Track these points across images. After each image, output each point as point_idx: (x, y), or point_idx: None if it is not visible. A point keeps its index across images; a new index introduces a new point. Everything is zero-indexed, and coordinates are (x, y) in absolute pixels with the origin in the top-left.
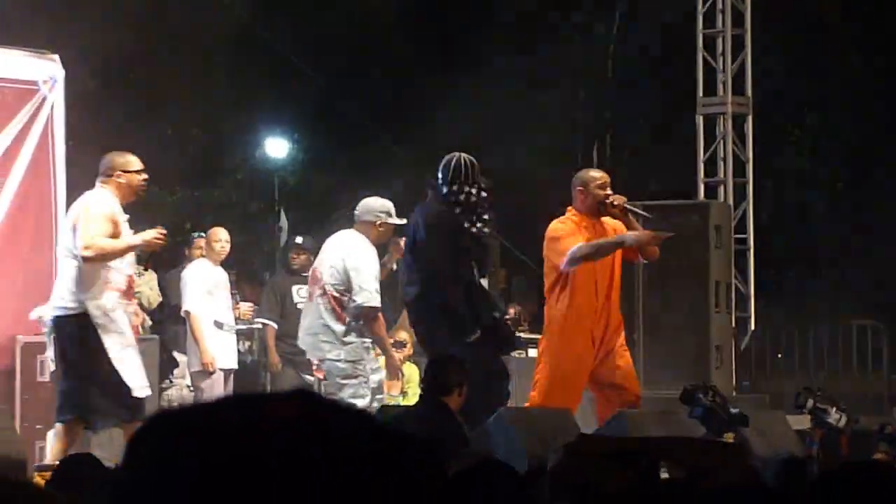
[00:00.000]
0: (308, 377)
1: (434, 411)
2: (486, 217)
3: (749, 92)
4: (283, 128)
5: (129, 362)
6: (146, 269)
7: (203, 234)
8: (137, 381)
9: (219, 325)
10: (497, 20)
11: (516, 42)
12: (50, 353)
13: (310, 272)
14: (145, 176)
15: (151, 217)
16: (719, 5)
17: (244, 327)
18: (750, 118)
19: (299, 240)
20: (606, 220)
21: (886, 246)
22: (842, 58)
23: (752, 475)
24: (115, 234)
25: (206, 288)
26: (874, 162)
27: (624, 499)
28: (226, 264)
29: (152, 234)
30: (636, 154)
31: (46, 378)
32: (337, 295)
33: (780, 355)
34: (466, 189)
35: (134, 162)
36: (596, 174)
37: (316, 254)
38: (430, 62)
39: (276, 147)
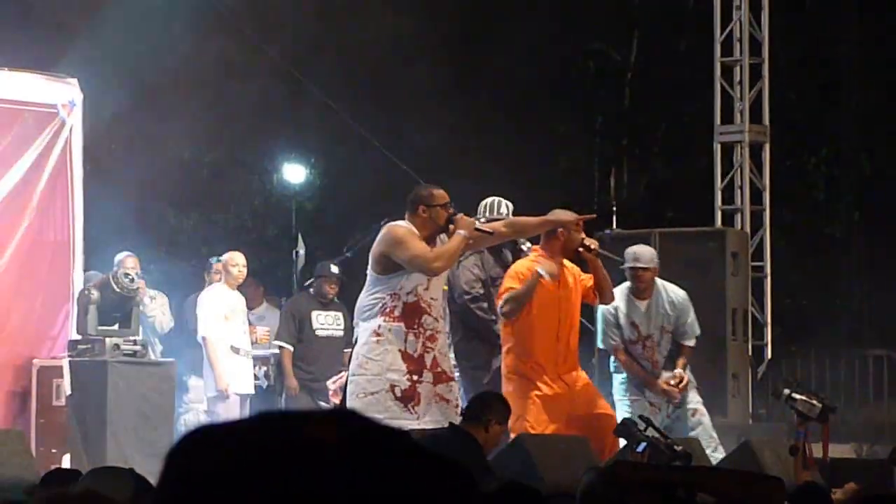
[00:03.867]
0: (323, 404)
1: (458, 439)
2: None
3: (766, 120)
4: (300, 153)
5: (358, 387)
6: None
7: (220, 259)
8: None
9: (235, 349)
10: (514, 48)
11: (534, 69)
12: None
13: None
14: (451, 210)
15: (168, 241)
16: (737, 34)
17: (261, 352)
18: (767, 146)
19: (335, 269)
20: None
21: None
22: (858, 87)
23: None
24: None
25: (222, 312)
26: (891, 192)
27: None
28: (241, 288)
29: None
30: (653, 181)
31: (62, 402)
32: None
33: (796, 384)
34: None
35: (440, 196)
36: (573, 216)
37: (344, 282)
38: (449, 89)
39: (294, 172)
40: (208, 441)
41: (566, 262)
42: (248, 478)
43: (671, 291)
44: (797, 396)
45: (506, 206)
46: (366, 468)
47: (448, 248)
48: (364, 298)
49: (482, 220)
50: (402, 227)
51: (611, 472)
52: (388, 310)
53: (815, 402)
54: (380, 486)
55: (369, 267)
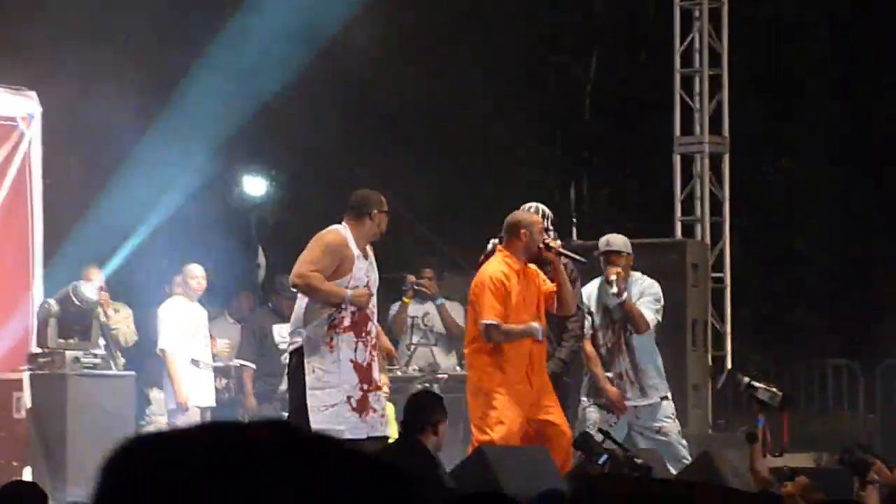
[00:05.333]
0: (286, 414)
1: (409, 450)
2: None
3: (726, 131)
4: (260, 166)
5: (317, 401)
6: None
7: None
8: (315, 421)
9: (195, 362)
10: (474, 61)
11: (495, 82)
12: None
13: None
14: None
15: (130, 254)
16: (696, 45)
17: (221, 364)
18: (727, 157)
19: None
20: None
21: (861, 286)
22: (818, 99)
23: None
24: (339, 271)
25: (181, 325)
26: (849, 201)
27: None
28: (202, 301)
29: (363, 293)
30: (614, 193)
31: (22, 415)
32: None
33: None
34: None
35: (385, 202)
36: (537, 218)
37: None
38: (409, 104)
39: (254, 185)
40: (145, 449)
41: (532, 266)
42: (188, 479)
43: (645, 281)
44: (757, 385)
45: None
46: (304, 467)
47: (318, 287)
48: (307, 304)
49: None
50: (331, 234)
51: (593, 484)
52: (337, 321)
53: (775, 390)
54: (318, 485)
55: None
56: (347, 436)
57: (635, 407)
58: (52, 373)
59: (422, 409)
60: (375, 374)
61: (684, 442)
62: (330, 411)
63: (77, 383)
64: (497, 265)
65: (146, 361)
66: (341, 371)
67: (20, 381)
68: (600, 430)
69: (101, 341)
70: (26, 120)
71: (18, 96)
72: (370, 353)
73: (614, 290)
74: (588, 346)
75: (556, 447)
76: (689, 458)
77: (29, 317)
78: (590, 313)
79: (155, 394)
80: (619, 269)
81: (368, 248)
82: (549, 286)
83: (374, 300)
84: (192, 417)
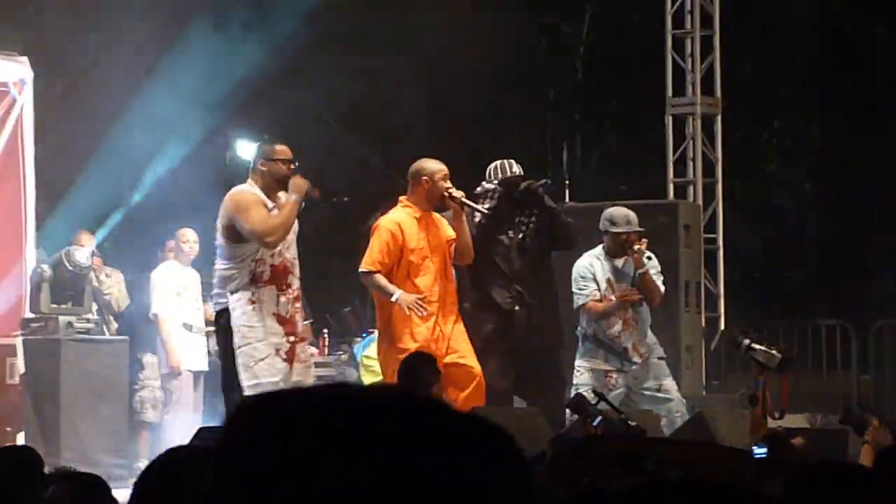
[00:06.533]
0: None
1: None
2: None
3: (718, 92)
4: (254, 130)
5: (247, 358)
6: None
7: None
8: (247, 378)
9: (188, 326)
10: (467, 22)
11: (487, 45)
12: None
13: None
14: (289, 165)
15: (123, 218)
16: (688, 6)
17: (213, 328)
18: (719, 118)
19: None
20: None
21: (853, 246)
22: (809, 60)
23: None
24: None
25: (174, 290)
26: (841, 163)
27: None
28: (195, 265)
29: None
30: (606, 155)
31: (16, 380)
32: None
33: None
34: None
35: (280, 151)
36: (440, 166)
37: None
38: (403, 63)
39: (247, 149)
40: (270, 406)
41: (436, 215)
42: (306, 439)
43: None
44: (757, 346)
45: (517, 167)
46: (420, 434)
47: (281, 219)
48: (224, 269)
49: (494, 182)
50: (243, 193)
51: (581, 444)
52: (256, 276)
53: (774, 352)
54: (434, 449)
55: (220, 236)
56: (281, 387)
57: (633, 370)
58: (46, 338)
59: (415, 373)
60: (299, 326)
61: (683, 400)
62: (261, 365)
63: (70, 348)
64: (393, 214)
65: (139, 326)
66: (265, 324)
67: (13, 346)
68: (594, 392)
69: (94, 306)
70: (18, 85)
71: (10, 62)
72: (293, 304)
73: (644, 265)
74: (591, 303)
75: (466, 388)
76: (689, 414)
77: (22, 282)
78: (595, 281)
79: (148, 358)
80: (642, 244)
81: (283, 195)
82: (451, 234)
83: (294, 251)
84: (184, 382)
